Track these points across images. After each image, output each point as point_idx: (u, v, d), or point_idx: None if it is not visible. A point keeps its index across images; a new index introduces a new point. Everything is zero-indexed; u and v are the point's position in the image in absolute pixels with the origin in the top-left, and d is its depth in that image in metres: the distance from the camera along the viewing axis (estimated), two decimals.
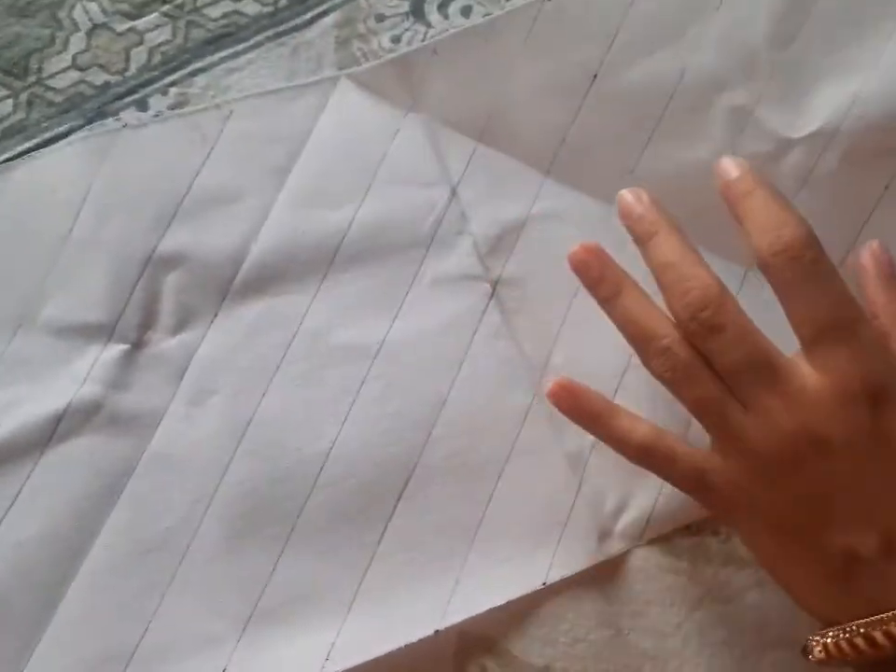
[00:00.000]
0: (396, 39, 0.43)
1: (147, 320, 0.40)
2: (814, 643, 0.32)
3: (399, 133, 0.42)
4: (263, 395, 0.40)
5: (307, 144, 0.42)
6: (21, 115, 0.42)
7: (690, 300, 0.32)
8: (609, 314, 0.35)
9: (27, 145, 0.42)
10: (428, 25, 0.43)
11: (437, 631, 0.37)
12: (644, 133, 0.42)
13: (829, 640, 0.32)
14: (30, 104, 0.42)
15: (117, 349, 0.39)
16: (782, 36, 0.41)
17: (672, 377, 0.33)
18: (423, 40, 0.43)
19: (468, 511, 0.39)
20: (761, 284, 0.40)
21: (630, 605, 0.39)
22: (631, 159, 0.42)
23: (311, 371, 0.40)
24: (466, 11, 0.43)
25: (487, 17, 0.43)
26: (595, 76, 0.42)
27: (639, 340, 0.34)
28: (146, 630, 0.37)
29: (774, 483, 0.32)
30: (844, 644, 0.31)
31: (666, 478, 0.35)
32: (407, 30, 0.43)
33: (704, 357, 0.33)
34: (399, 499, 0.39)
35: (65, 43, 0.43)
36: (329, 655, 0.37)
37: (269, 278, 0.41)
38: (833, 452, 0.31)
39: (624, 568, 0.39)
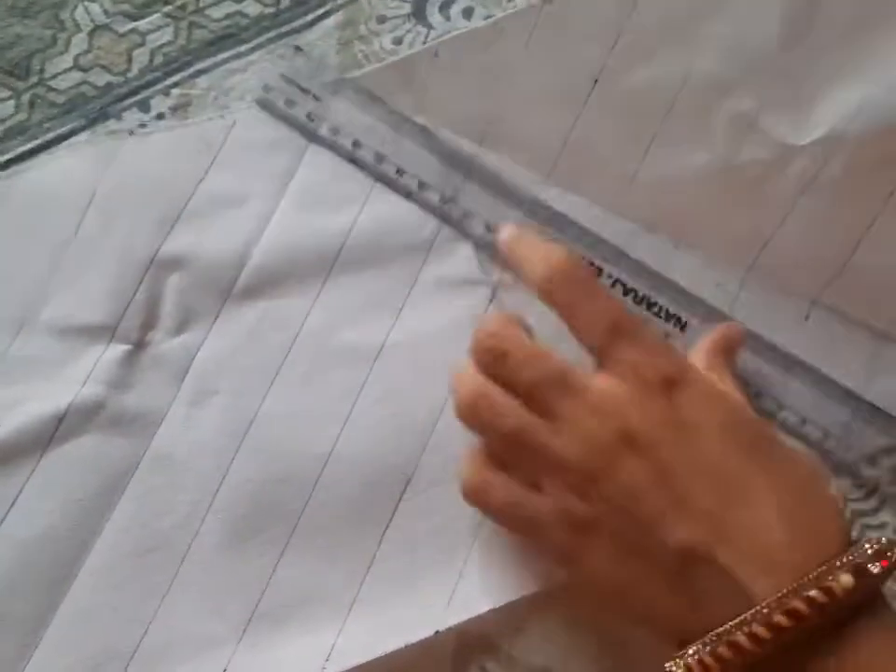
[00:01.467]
0: (397, 41, 0.43)
1: (149, 321, 0.40)
2: (673, 667, 0.31)
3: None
4: (264, 396, 0.40)
5: (308, 150, 0.42)
6: (22, 115, 0.42)
7: (477, 337, 0.35)
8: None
9: (29, 146, 0.42)
10: (430, 27, 0.44)
11: (437, 632, 0.37)
12: (646, 138, 0.42)
13: (690, 659, 0.30)
14: (32, 104, 0.42)
15: (118, 349, 0.40)
16: (791, 37, 0.40)
17: (472, 413, 0.34)
18: (424, 41, 0.43)
19: (468, 512, 0.38)
20: (760, 287, 0.41)
21: None
22: (632, 164, 0.42)
23: (312, 372, 0.40)
24: (467, 13, 0.43)
25: (489, 20, 0.43)
26: (597, 80, 0.42)
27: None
28: (146, 630, 0.37)
29: (594, 492, 0.32)
30: (709, 659, 0.30)
31: (502, 524, 0.35)
32: (408, 31, 0.43)
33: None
34: (399, 501, 0.39)
35: (67, 44, 0.43)
36: (329, 656, 0.37)
37: (270, 281, 0.41)
38: (642, 445, 0.32)
39: None
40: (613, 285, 0.41)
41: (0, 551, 0.38)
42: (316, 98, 0.42)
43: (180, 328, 0.40)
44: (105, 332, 0.40)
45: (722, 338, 0.38)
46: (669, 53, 0.41)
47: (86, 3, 0.43)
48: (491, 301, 0.41)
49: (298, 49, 0.43)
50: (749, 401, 0.36)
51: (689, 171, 0.41)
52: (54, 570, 0.38)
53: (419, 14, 0.44)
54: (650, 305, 0.41)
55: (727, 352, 0.38)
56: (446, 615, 0.38)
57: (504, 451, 0.35)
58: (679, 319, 0.41)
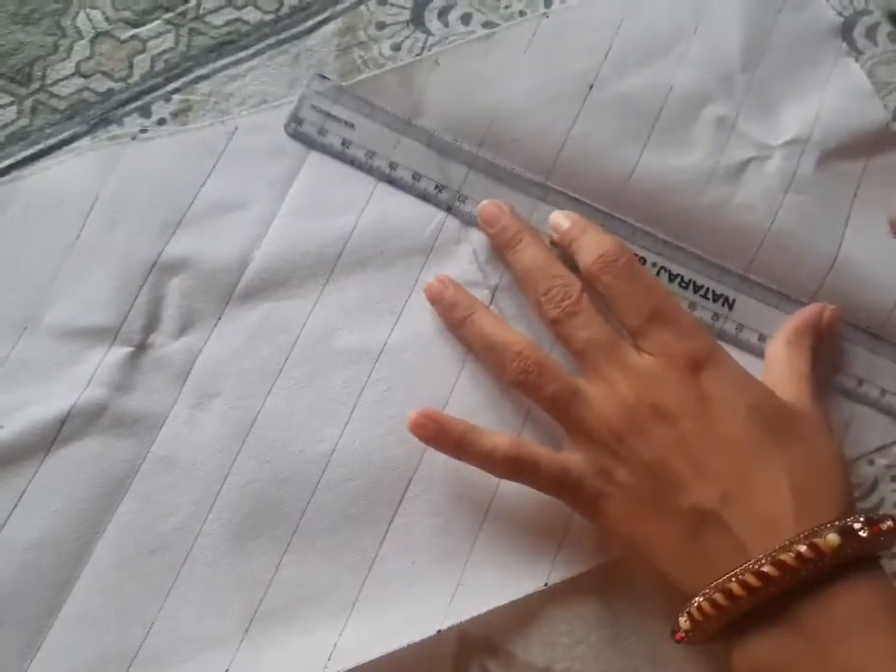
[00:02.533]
0: (396, 47, 0.44)
1: (151, 323, 0.40)
2: (680, 617, 0.34)
3: (399, 142, 0.42)
4: (266, 397, 0.40)
5: (309, 155, 0.42)
6: (24, 121, 0.42)
7: (554, 293, 0.38)
8: (465, 334, 0.40)
9: (31, 151, 0.42)
10: (428, 33, 0.44)
11: (438, 631, 0.37)
12: (640, 140, 0.43)
13: (693, 607, 0.33)
14: (34, 110, 0.43)
15: (121, 352, 0.40)
16: (750, 61, 0.44)
17: (526, 378, 0.38)
18: (423, 48, 0.44)
19: (470, 512, 0.39)
20: (758, 287, 0.42)
21: (630, 606, 0.39)
22: (628, 165, 0.42)
23: (313, 374, 0.40)
24: (466, 19, 0.44)
25: (488, 31, 0.44)
26: (592, 86, 0.43)
27: (494, 351, 0.39)
28: (148, 631, 0.37)
29: (623, 452, 0.36)
30: (706, 605, 0.33)
31: (535, 484, 0.37)
32: (407, 38, 0.44)
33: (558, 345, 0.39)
34: (401, 501, 0.39)
35: (69, 50, 0.43)
36: (331, 656, 0.37)
37: (272, 283, 0.41)
38: (667, 416, 0.36)
39: (625, 570, 0.39)
40: (658, 272, 0.42)
41: (3, 552, 0.38)
42: (325, 112, 0.43)
43: (182, 330, 0.40)
44: (108, 335, 0.40)
45: (812, 316, 0.41)
46: (654, 66, 0.44)
47: (87, 10, 0.43)
48: (490, 303, 0.41)
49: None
50: (814, 380, 0.39)
51: (681, 170, 0.43)
52: (57, 572, 0.38)
53: (417, 20, 0.44)
54: (696, 288, 0.42)
55: (813, 330, 0.40)
56: (447, 615, 0.38)
57: (547, 410, 0.38)
58: (726, 299, 0.42)
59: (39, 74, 0.43)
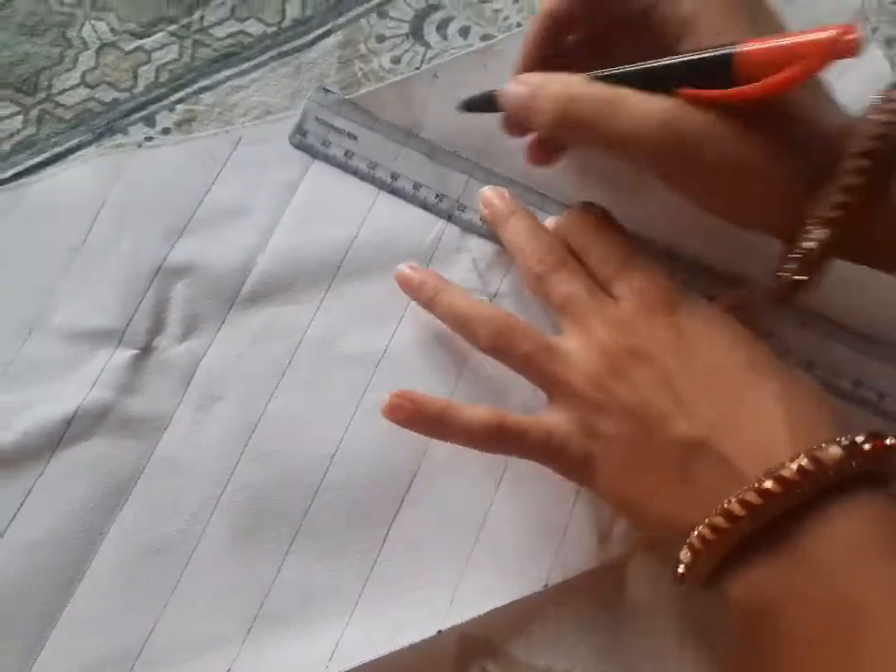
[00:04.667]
0: (396, 60, 0.45)
1: (156, 326, 0.41)
2: (680, 551, 0.33)
3: (400, 153, 0.43)
4: (268, 401, 0.40)
5: (313, 165, 0.43)
6: (31, 130, 0.43)
7: (539, 252, 0.39)
8: (437, 311, 0.40)
9: (37, 159, 0.43)
10: (427, 46, 0.45)
11: (439, 631, 0.37)
12: None
13: (693, 537, 0.32)
14: (40, 119, 0.43)
15: (126, 354, 0.40)
16: None
17: (498, 342, 0.38)
18: (422, 60, 0.45)
19: (470, 513, 0.40)
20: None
21: (630, 606, 0.39)
22: (626, 175, 0.43)
23: (315, 377, 0.41)
24: (464, 32, 0.45)
25: (486, 42, 0.44)
26: None
27: (466, 323, 0.39)
28: (151, 631, 0.38)
29: (605, 400, 0.36)
30: (706, 531, 0.31)
31: (522, 452, 0.37)
32: (407, 51, 0.45)
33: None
34: (402, 502, 0.40)
35: (74, 61, 0.44)
36: (332, 656, 0.37)
37: (275, 289, 0.42)
38: (649, 357, 0.36)
39: (624, 570, 0.39)
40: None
41: (8, 552, 0.38)
42: (328, 123, 0.44)
43: (186, 334, 0.41)
44: (113, 337, 0.40)
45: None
46: None
47: (93, 21, 0.44)
48: None
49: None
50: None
51: None
52: (61, 572, 0.38)
53: (417, 33, 0.45)
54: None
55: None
56: (448, 615, 0.38)
57: (524, 373, 0.38)
58: None
59: (45, 84, 0.43)
